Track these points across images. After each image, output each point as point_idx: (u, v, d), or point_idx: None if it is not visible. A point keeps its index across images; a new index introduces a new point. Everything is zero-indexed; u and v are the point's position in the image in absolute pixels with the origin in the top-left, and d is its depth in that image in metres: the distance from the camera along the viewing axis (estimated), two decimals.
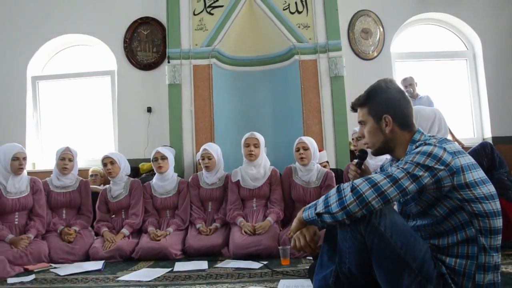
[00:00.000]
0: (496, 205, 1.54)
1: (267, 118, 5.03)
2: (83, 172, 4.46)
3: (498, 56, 5.75)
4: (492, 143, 3.29)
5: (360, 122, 1.85)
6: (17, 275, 2.86)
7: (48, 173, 4.02)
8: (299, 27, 4.89)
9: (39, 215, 3.52)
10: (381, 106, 1.75)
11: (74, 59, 5.91)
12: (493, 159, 3.15)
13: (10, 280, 2.71)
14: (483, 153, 3.15)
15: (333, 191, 1.59)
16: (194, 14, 4.90)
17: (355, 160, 2.23)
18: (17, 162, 3.41)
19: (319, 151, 4.23)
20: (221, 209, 3.82)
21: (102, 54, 5.84)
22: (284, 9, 4.91)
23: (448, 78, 6.06)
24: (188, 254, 3.46)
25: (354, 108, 1.87)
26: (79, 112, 5.85)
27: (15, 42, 5.60)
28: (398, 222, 1.56)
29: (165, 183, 3.86)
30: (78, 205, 3.80)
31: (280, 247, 2.95)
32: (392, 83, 1.79)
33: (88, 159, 5.51)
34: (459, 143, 5.17)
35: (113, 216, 3.86)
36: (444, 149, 1.52)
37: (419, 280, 1.50)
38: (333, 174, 3.75)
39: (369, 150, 1.92)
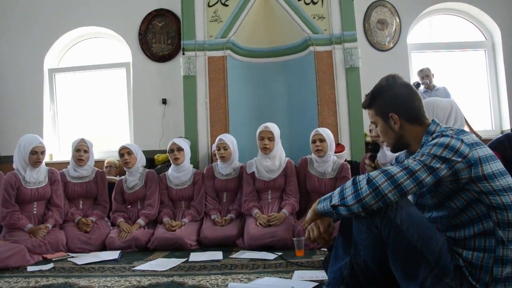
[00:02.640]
0: None
1: (282, 109, 5.01)
2: (98, 164, 4.49)
3: None
4: None
5: (372, 123, 1.86)
6: (36, 264, 2.92)
7: (64, 164, 4.07)
8: (314, 18, 4.85)
9: (57, 205, 3.58)
10: (385, 105, 1.74)
11: (90, 52, 5.95)
12: None
13: (29, 268, 2.77)
14: (506, 144, 3.08)
15: (348, 183, 1.58)
16: (209, 6, 4.89)
17: (368, 154, 2.22)
18: (35, 156, 3.46)
19: (341, 150, 4.22)
20: (236, 200, 3.84)
21: (117, 47, 5.87)
22: (299, 0, 4.87)
23: (466, 69, 5.95)
24: (203, 245, 3.48)
25: (364, 109, 1.88)
26: (95, 104, 5.90)
27: (32, 35, 5.66)
28: (415, 215, 1.54)
29: (180, 174, 3.88)
30: (95, 195, 3.85)
31: (294, 239, 2.95)
32: (395, 79, 1.77)
33: (104, 150, 5.57)
34: (477, 135, 5.10)
35: (129, 206, 3.90)
36: (462, 141, 1.50)
37: (436, 272, 1.48)
38: (349, 166, 3.73)
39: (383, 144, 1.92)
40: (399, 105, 1.72)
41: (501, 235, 1.48)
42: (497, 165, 1.53)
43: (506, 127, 5.59)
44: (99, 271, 2.67)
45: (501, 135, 3.29)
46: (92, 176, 3.85)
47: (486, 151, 1.53)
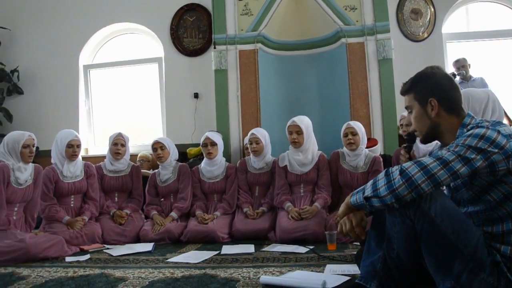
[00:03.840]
0: None
1: (314, 102, 4.97)
2: (132, 158, 4.57)
3: None
4: None
5: (407, 108, 1.81)
6: (74, 254, 3.01)
7: (99, 158, 4.17)
8: (345, 9, 4.78)
9: (93, 198, 3.68)
10: (426, 91, 1.71)
11: (123, 48, 6.08)
12: None
13: (67, 259, 2.86)
14: None
15: (381, 174, 1.56)
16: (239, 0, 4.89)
17: (404, 145, 2.17)
18: (71, 149, 3.55)
19: (374, 144, 4.16)
20: (268, 194, 3.84)
21: (149, 42, 5.96)
22: None
23: (505, 58, 5.74)
24: (235, 238, 3.50)
25: (403, 95, 1.84)
26: (128, 99, 6.02)
27: (67, 32, 5.82)
28: (449, 207, 1.50)
29: (213, 168, 3.91)
30: (130, 189, 3.93)
31: (326, 232, 2.94)
32: (438, 69, 1.75)
33: (137, 144, 5.67)
34: None
35: (162, 199, 3.95)
36: (498, 132, 1.46)
37: (471, 267, 1.44)
38: (381, 159, 3.67)
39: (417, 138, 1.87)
40: (440, 93, 1.69)
41: None
42: None
43: None
44: (133, 262, 2.72)
45: None
46: (128, 170, 3.93)
47: None
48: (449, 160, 1.44)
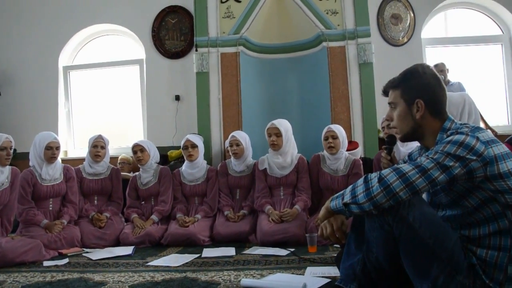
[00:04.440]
0: None
1: (295, 105, 4.99)
2: (112, 160, 4.53)
3: None
4: None
5: (390, 104, 1.79)
6: (52, 259, 2.97)
7: (79, 160, 4.12)
8: (327, 13, 4.82)
9: (72, 201, 3.63)
10: (415, 90, 1.69)
11: (103, 49, 6.01)
12: None
13: (45, 263, 2.82)
14: None
15: (360, 181, 1.56)
16: (221, 2, 4.89)
17: (384, 146, 2.19)
18: (50, 152, 3.50)
19: (355, 147, 4.20)
20: (249, 197, 3.84)
21: (130, 44, 5.92)
22: None
23: (481, 63, 5.86)
24: (216, 241, 3.50)
25: (386, 90, 1.81)
26: (109, 101, 5.96)
27: (46, 33, 5.73)
28: (427, 213, 1.53)
29: (194, 170, 3.90)
30: (110, 192, 3.89)
31: (307, 235, 2.95)
32: (429, 69, 1.73)
33: (117, 147, 5.62)
34: (492, 131, 5.03)
35: (143, 202, 3.93)
36: (477, 138, 1.47)
37: (448, 270, 1.47)
38: (361, 162, 3.71)
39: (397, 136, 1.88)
40: (428, 94, 1.67)
41: None
42: None
43: None
44: (113, 266, 2.69)
45: None
46: (108, 173, 3.89)
47: (502, 148, 1.50)
48: (427, 168, 1.45)
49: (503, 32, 5.81)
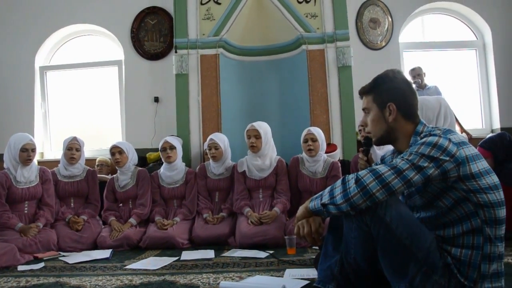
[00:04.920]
0: (500, 195, 1.53)
1: (274, 108, 5.01)
2: (90, 162, 4.48)
3: (508, 46, 5.68)
4: (510, 135, 3.21)
5: (364, 110, 1.83)
6: (27, 263, 2.90)
7: (56, 162, 4.05)
8: (306, 16, 4.85)
9: (48, 204, 3.57)
10: (386, 94, 1.74)
11: (81, 49, 5.93)
12: (510, 150, 3.10)
13: (20, 268, 2.75)
14: (499, 144, 3.09)
15: (338, 182, 1.59)
16: (201, 4, 4.88)
17: (362, 148, 2.23)
18: (26, 154, 3.44)
19: (333, 149, 4.23)
20: (228, 199, 3.84)
21: (109, 44, 5.86)
22: None
23: (457, 68, 5.99)
24: (195, 243, 3.48)
25: (361, 95, 1.86)
26: (87, 103, 5.87)
27: (23, 32, 5.62)
28: (404, 213, 1.56)
29: (173, 173, 3.87)
30: (86, 194, 3.83)
31: (286, 237, 2.97)
32: (399, 74, 1.78)
33: (95, 149, 5.55)
34: (468, 134, 5.14)
35: (121, 205, 3.88)
36: (449, 140, 1.51)
37: (425, 270, 1.50)
38: (339, 165, 3.74)
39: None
40: (399, 98, 1.72)
41: (488, 232, 1.51)
42: (483, 164, 1.55)
43: (496, 126, 5.64)
44: (90, 270, 2.66)
45: (493, 134, 3.29)
46: (83, 175, 3.83)
47: (472, 150, 1.55)
48: (403, 169, 1.49)
49: (477, 38, 5.94)
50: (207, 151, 3.89)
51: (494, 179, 1.54)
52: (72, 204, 3.77)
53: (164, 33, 5.53)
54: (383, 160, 1.96)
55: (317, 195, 1.67)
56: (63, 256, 3.14)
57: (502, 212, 1.53)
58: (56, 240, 3.38)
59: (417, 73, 5.26)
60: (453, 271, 1.52)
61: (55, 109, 5.86)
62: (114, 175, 3.99)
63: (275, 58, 5.08)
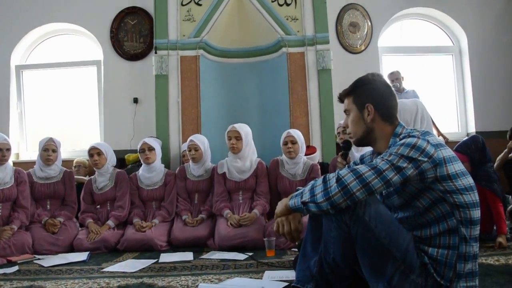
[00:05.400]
0: (475, 196, 1.57)
1: (254, 110, 5.01)
2: (67, 163, 4.42)
3: (483, 51, 5.82)
4: (483, 138, 3.29)
5: (345, 111, 1.87)
6: (0, 267, 2.83)
7: (32, 163, 3.97)
8: (287, 19, 4.87)
9: (23, 206, 3.49)
10: (365, 96, 1.77)
11: (59, 49, 5.83)
12: (484, 153, 3.17)
13: None
14: (473, 147, 3.16)
15: (319, 180, 1.61)
16: (182, 5, 4.85)
17: (341, 152, 2.26)
18: (0, 154, 3.36)
19: (313, 152, 4.26)
20: (207, 201, 3.82)
21: (88, 44, 5.78)
22: (272, 1, 4.87)
23: (434, 72, 6.11)
24: (174, 246, 3.46)
25: (341, 98, 1.89)
26: (64, 103, 5.78)
27: None
28: (383, 212, 1.59)
29: (152, 174, 3.84)
30: (62, 196, 3.76)
31: (265, 239, 2.97)
32: (379, 77, 1.83)
33: (73, 150, 5.46)
34: (444, 137, 5.23)
35: (98, 207, 3.83)
36: (428, 141, 1.54)
37: (402, 269, 1.53)
38: (319, 167, 3.77)
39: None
40: (377, 99, 1.75)
41: (464, 232, 1.54)
42: (459, 166, 1.58)
43: (471, 130, 5.76)
44: (66, 273, 2.61)
45: (466, 138, 3.36)
46: (60, 177, 3.76)
47: (449, 152, 1.59)
48: (383, 169, 1.51)
49: (453, 44, 6.06)
50: (187, 152, 3.87)
51: (469, 180, 1.58)
52: (48, 206, 3.70)
53: (144, 34, 5.49)
54: (362, 160, 1.98)
55: (297, 192, 1.69)
56: (38, 259, 3.08)
57: (477, 213, 1.57)
58: (31, 243, 3.31)
59: (395, 77, 5.33)
60: (430, 271, 1.55)
61: (32, 109, 5.75)
62: (92, 177, 3.94)
63: (256, 60, 5.08)
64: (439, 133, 5.29)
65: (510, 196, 4.11)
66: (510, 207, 3.75)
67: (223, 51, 5.06)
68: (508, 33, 5.87)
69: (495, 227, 3.02)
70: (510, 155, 3.88)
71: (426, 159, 1.51)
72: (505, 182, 3.93)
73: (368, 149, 1.92)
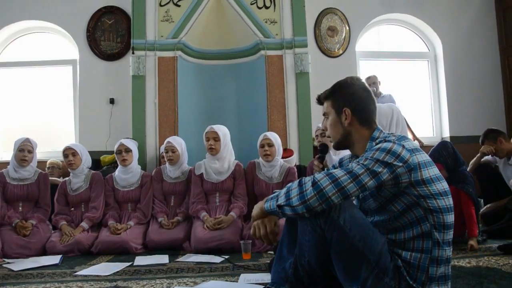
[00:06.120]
0: (449, 201, 1.60)
1: (232, 112, 5.01)
2: (41, 164, 4.32)
3: (457, 58, 5.95)
4: (451, 142, 3.36)
5: (324, 114, 1.88)
6: None
7: (3, 164, 3.87)
8: (266, 22, 4.89)
9: None
10: (343, 100, 1.78)
11: (33, 47, 5.71)
12: (456, 157, 3.23)
13: None
14: (445, 153, 3.22)
15: (295, 184, 1.61)
16: (160, 5, 4.82)
17: (318, 155, 2.27)
18: None
19: (290, 154, 4.27)
20: (183, 203, 3.79)
21: (63, 43, 5.67)
22: (251, 4, 4.89)
23: (410, 78, 6.20)
24: (149, 248, 3.43)
25: (320, 100, 1.90)
26: (38, 102, 5.66)
27: None
28: (357, 216, 1.60)
29: (128, 175, 3.80)
30: (36, 198, 3.67)
31: (242, 242, 2.96)
32: (358, 80, 1.83)
33: (47, 150, 5.35)
34: (419, 141, 5.31)
35: (72, 209, 3.76)
36: (403, 146, 1.56)
37: (376, 272, 1.54)
38: (295, 170, 3.78)
39: (331, 145, 1.95)
40: (355, 103, 1.76)
41: (437, 236, 1.56)
42: (434, 171, 1.61)
43: (446, 134, 5.87)
44: (37, 277, 2.55)
45: (436, 145, 3.40)
46: (34, 178, 3.67)
47: (424, 157, 1.61)
48: (358, 174, 1.52)
49: (429, 50, 6.18)
50: (164, 154, 3.84)
51: (444, 185, 1.60)
52: (20, 208, 3.61)
53: (121, 34, 5.43)
54: (341, 163, 1.99)
55: (272, 195, 1.69)
56: (8, 263, 2.99)
57: (450, 218, 1.59)
58: (1, 246, 3.21)
59: (372, 81, 5.39)
60: (403, 274, 1.57)
61: (4, 108, 5.61)
62: (66, 178, 3.87)
63: (234, 63, 5.08)
64: (415, 137, 5.38)
65: (482, 200, 4.20)
66: (482, 210, 3.85)
67: (201, 53, 5.04)
68: (481, 41, 6.03)
69: (467, 231, 3.08)
70: (482, 159, 3.97)
71: (401, 164, 1.52)
72: (477, 185, 4.01)
73: (347, 152, 1.94)
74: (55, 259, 3.00)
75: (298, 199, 1.55)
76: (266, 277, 2.26)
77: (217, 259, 2.92)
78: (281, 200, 1.60)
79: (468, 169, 3.95)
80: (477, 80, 5.96)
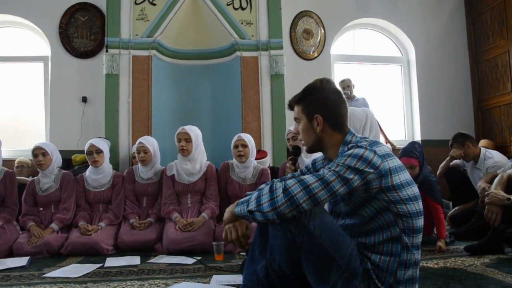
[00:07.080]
0: (419, 205, 1.63)
1: (206, 113, 5.00)
2: (9, 163, 4.22)
3: (429, 63, 6.09)
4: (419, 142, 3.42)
5: (295, 119, 1.87)
6: None
7: None
8: (242, 23, 4.90)
9: None
10: (313, 106, 1.77)
11: (3, 42, 5.56)
12: (423, 156, 3.30)
13: None
14: (419, 150, 3.27)
15: (266, 189, 1.60)
16: (136, 3, 4.77)
17: (290, 157, 2.29)
18: None
19: (264, 156, 4.28)
20: (155, 204, 3.75)
21: (34, 39, 5.54)
22: (228, 4, 4.89)
23: (383, 82, 6.31)
24: (121, 249, 3.38)
25: (291, 105, 1.88)
26: (7, 99, 5.51)
27: None
28: (327, 222, 1.60)
29: (99, 176, 3.73)
30: (2, 197, 3.55)
31: (214, 243, 2.95)
32: (329, 83, 1.80)
33: (15, 149, 5.22)
34: (391, 144, 5.40)
35: (41, 209, 3.67)
36: (375, 152, 1.57)
37: (346, 276, 1.55)
38: (269, 171, 3.79)
39: (304, 148, 1.96)
40: (326, 109, 1.75)
41: (406, 241, 1.59)
42: (405, 176, 1.63)
43: (417, 137, 6.00)
44: (3, 280, 2.48)
45: (406, 145, 3.45)
46: (0, 177, 3.57)
47: (396, 162, 1.62)
48: (329, 181, 1.52)
49: (402, 55, 6.30)
50: (136, 154, 3.80)
51: (414, 190, 1.63)
52: None
53: (95, 31, 5.35)
54: (314, 165, 2.00)
55: (243, 199, 1.68)
56: None
57: (420, 222, 1.62)
58: None
59: (346, 84, 5.45)
60: (371, 277, 1.59)
61: None
62: (35, 178, 3.77)
63: (209, 63, 5.08)
64: (387, 141, 5.46)
65: (451, 202, 4.31)
66: (450, 212, 3.94)
67: (176, 52, 5.01)
68: (452, 47, 6.18)
69: (435, 231, 3.17)
70: (451, 163, 4.07)
71: (372, 171, 1.54)
72: (446, 188, 4.11)
73: (320, 154, 1.94)
74: (22, 261, 2.92)
75: (269, 205, 1.54)
76: (238, 279, 2.26)
77: (189, 260, 2.90)
78: (252, 206, 1.60)
79: (437, 172, 4.05)
80: (448, 85, 6.11)
